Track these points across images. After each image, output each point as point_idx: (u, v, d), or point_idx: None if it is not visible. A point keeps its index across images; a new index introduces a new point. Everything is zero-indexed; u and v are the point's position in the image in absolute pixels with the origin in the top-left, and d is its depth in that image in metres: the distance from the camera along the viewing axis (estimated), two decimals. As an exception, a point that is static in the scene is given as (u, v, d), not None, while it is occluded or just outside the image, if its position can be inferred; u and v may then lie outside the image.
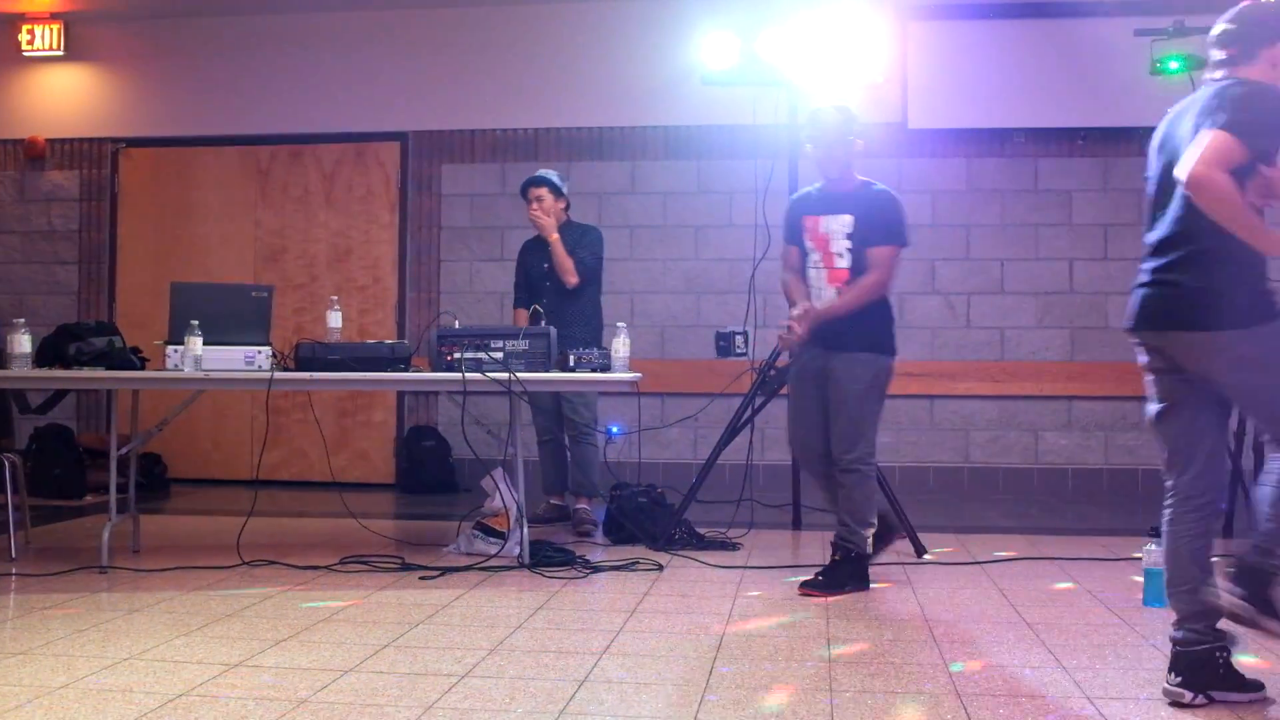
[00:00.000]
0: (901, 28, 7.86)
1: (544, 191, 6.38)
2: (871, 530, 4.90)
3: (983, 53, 7.91)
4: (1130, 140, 7.72)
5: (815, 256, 4.98)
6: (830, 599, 4.64)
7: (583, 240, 6.46)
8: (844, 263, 4.90)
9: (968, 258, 8.08)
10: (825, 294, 4.94)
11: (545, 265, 6.40)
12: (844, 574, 4.82)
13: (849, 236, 4.88)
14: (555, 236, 6.33)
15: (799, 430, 5.09)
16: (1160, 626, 4.15)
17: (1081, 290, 7.94)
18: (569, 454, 6.50)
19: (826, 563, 4.91)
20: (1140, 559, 4.59)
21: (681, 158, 8.35)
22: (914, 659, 3.75)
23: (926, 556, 5.53)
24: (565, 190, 6.46)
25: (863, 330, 4.86)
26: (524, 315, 6.49)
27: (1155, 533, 4.52)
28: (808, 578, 4.84)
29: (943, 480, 8.03)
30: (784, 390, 6.24)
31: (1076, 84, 7.76)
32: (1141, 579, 4.60)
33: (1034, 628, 4.18)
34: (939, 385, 8.06)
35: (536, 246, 6.51)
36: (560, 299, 6.34)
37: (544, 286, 6.41)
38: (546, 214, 6.36)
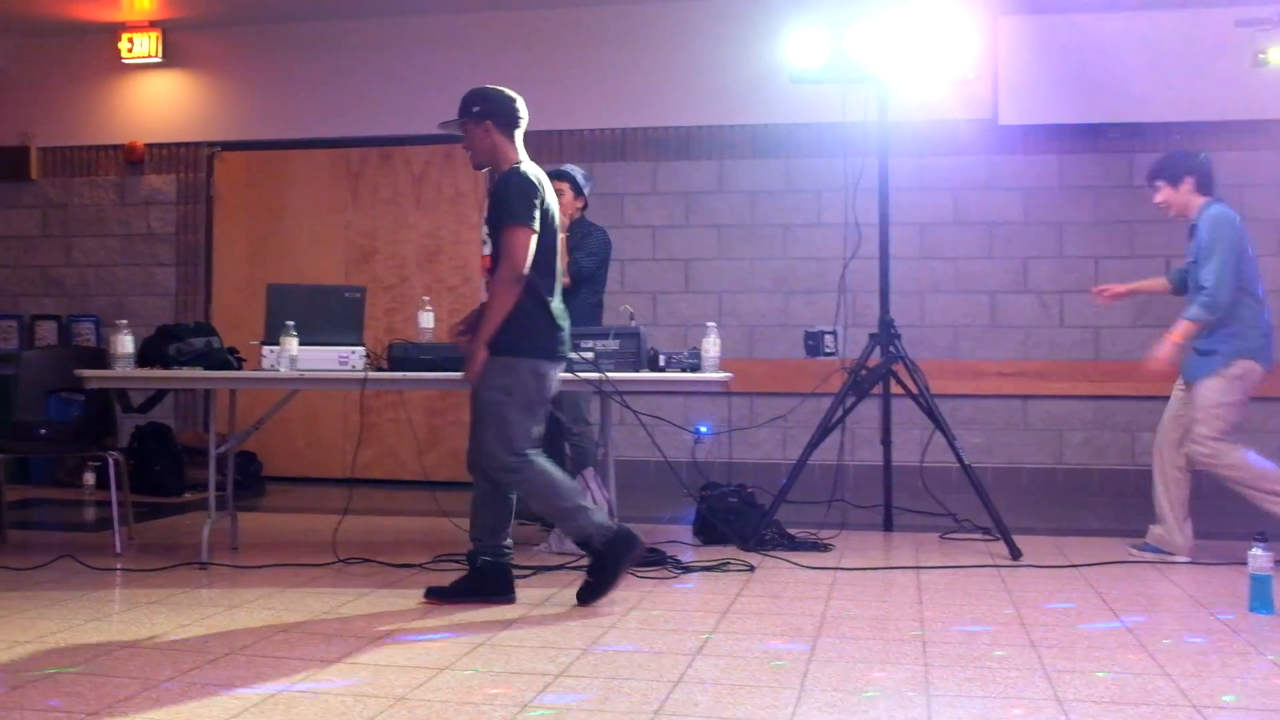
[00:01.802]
0: (992, 22, 7.77)
1: (565, 186, 6.34)
2: (583, 510, 4.56)
3: (1075, 47, 7.79)
4: (1230, 134, 7.55)
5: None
6: (453, 607, 4.47)
7: (583, 241, 6.38)
8: (487, 249, 4.73)
9: (1060, 255, 7.95)
10: (485, 284, 4.84)
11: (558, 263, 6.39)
12: (609, 565, 4.53)
13: (487, 221, 4.70)
14: (561, 236, 6.32)
15: None
16: (1269, 634, 4.07)
17: (1179, 288, 7.78)
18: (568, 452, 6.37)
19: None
20: (1245, 564, 4.49)
21: (769, 156, 8.32)
22: (1012, 664, 3.70)
23: (1022, 559, 5.45)
24: (586, 191, 6.44)
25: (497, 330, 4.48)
26: None
27: (1261, 537, 4.44)
28: (437, 585, 4.63)
29: (1037, 481, 7.92)
30: (876, 390, 6.21)
31: (1173, 77, 7.61)
32: (1247, 584, 4.48)
33: (1135, 633, 4.10)
34: (1032, 385, 7.95)
35: None
36: (568, 296, 6.34)
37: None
38: (563, 210, 6.33)
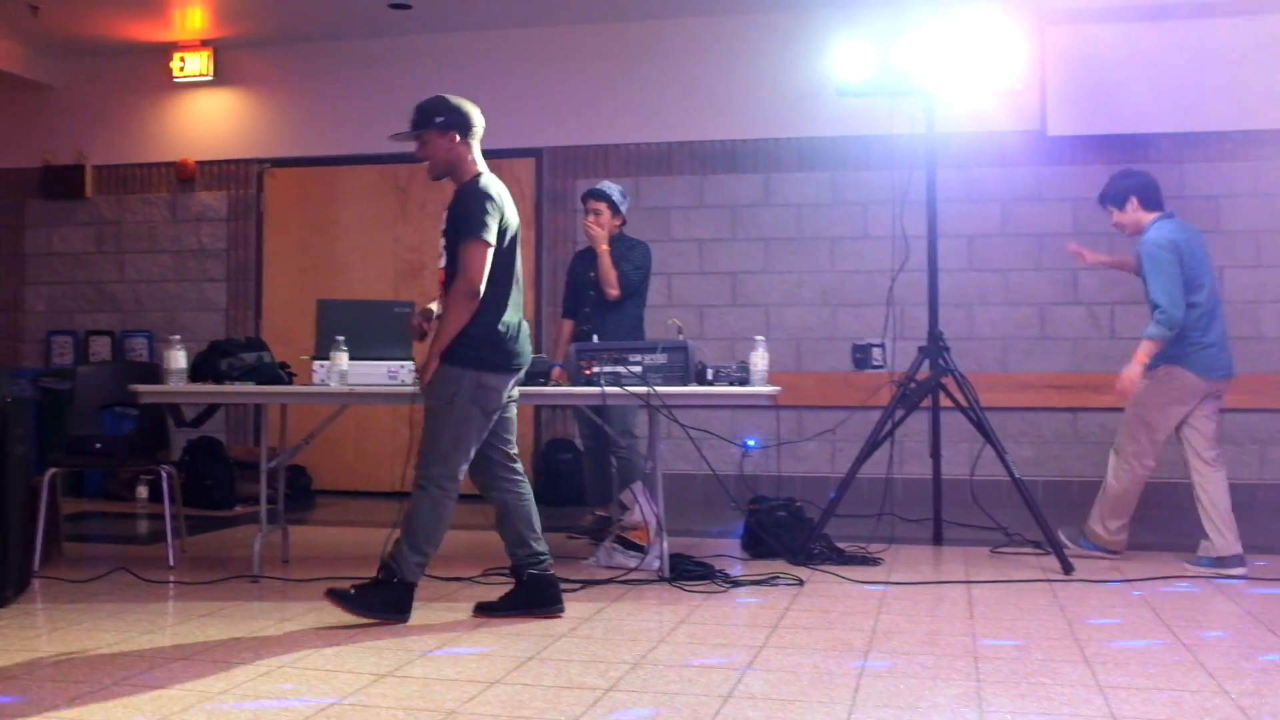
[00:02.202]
0: (1039, 33, 7.72)
1: (603, 206, 6.47)
2: (422, 560, 4.51)
3: (1124, 56, 7.73)
4: (1284, 143, 7.48)
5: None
6: (354, 618, 4.41)
7: (629, 254, 6.50)
8: (443, 262, 4.60)
9: (1111, 266, 7.87)
10: (439, 296, 4.66)
11: (590, 274, 6.48)
12: (379, 597, 4.46)
13: (444, 234, 4.57)
14: (604, 248, 6.41)
15: None
16: (1327, 649, 4.01)
17: (1233, 299, 7.65)
18: (613, 465, 6.45)
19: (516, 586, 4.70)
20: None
21: (816, 169, 8.31)
22: (1065, 680, 3.66)
23: (1074, 574, 5.40)
24: (623, 209, 6.55)
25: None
26: (568, 325, 6.64)
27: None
28: (338, 589, 4.51)
29: (1088, 495, 7.80)
30: (925, 403, 6.18)
31: (1224, 86, 7.54)
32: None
33: (1192, 650, 4.04)
34: (1083, 398, 7.87)
35: (586, 256, 6.63)
36: (603, 310, 6.43)
37: (588, 296, 6.50)
38: (600, 227, 6.43)
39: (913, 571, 5.51)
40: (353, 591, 4.47)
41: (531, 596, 4.62)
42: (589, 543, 6.06)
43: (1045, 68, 7.77)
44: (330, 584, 5.11)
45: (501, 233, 4.51)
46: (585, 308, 6.49)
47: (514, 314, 4.60)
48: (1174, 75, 7.63)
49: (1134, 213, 5.73)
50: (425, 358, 4.51)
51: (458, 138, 4.56)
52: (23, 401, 5.14)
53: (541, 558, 4.67)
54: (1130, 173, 5.87)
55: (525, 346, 4.63)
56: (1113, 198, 5.79)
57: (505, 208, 4.56)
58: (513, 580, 4.72)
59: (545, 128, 8.65)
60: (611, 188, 6.55)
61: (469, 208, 4.46)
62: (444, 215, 4.58)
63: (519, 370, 4.63)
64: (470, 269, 4.40)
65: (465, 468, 4.53)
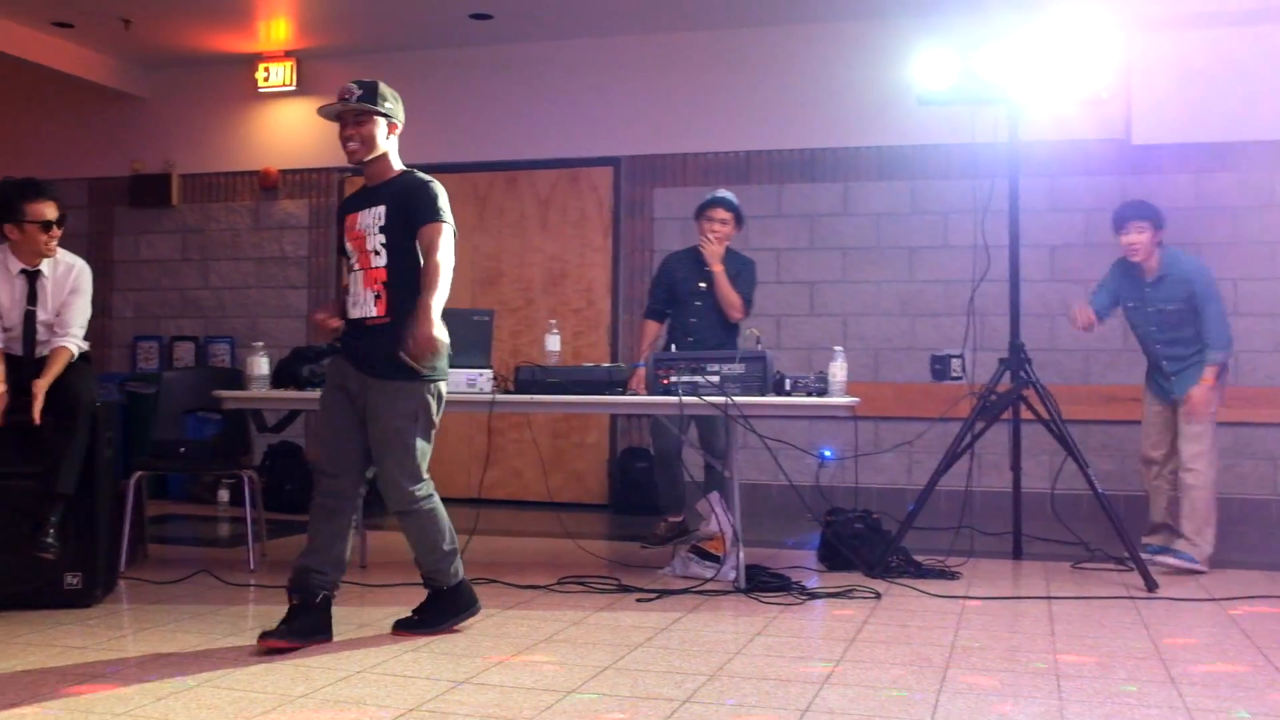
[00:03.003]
0: (1125, 39, 7.59)
1: (730, 216, 6.40)
2: (454, 558, 4.47)
3: (1213, 63, 7.57)
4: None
5: (353, 259, 4.37)
6: (430, 637, 4.36)
7: (743, 273, 6.48)
8: (381, 260, 4.30)
9: (1198, 278, 7.71)
10: (364, 299, 4.31)
11: (701, 285, 6.41)
12: (441, 610, 4.46)
13: (384, 229, 4.29)
14: (720, 268, 6.35)
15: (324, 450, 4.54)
16: None
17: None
18: (687, 473, 6.44)
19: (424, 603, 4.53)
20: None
21: (895, 178, 8.24)
22: (1151, 700, 3.59)
23: (1158, 591, 5.30)
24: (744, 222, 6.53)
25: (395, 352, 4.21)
26: (654, 327, 6.58)
27: None
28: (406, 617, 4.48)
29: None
30: (1006, 415, 6.09)
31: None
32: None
33: (1281, 670, 3.96)
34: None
35: (689, 262, 6.53)
36: (708, 320, 6.40)
37: (694, 305, 6.43)
38: (721, 240, 6.38)
39: (992, 586, 5.44)
40: (417, 618, 4.45)
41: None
42: (675, 546, 6.05)
43: (1131, 75, 7.64)
44: (410, 589, 5.16)
45: None
46: (690, 318, 6.45)
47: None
48: (1265, 82, 7.46)
49: (1157, 239, 5.92)
50: (421, 339, 4.13)
51: (396, 130, 4.47)
52: (111, 406, 5.23)
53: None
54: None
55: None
56: (1156, 217, 5.92)
57: None
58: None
59: (623, 136, 8.66)
60: (731, 195, 6.51)
61: (432, 196, 4.29)
62: (376, 212, 4.31)
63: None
64: (447, 252, 4.27)
65: None
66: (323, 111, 4.40)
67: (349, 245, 4.35)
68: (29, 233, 4.95)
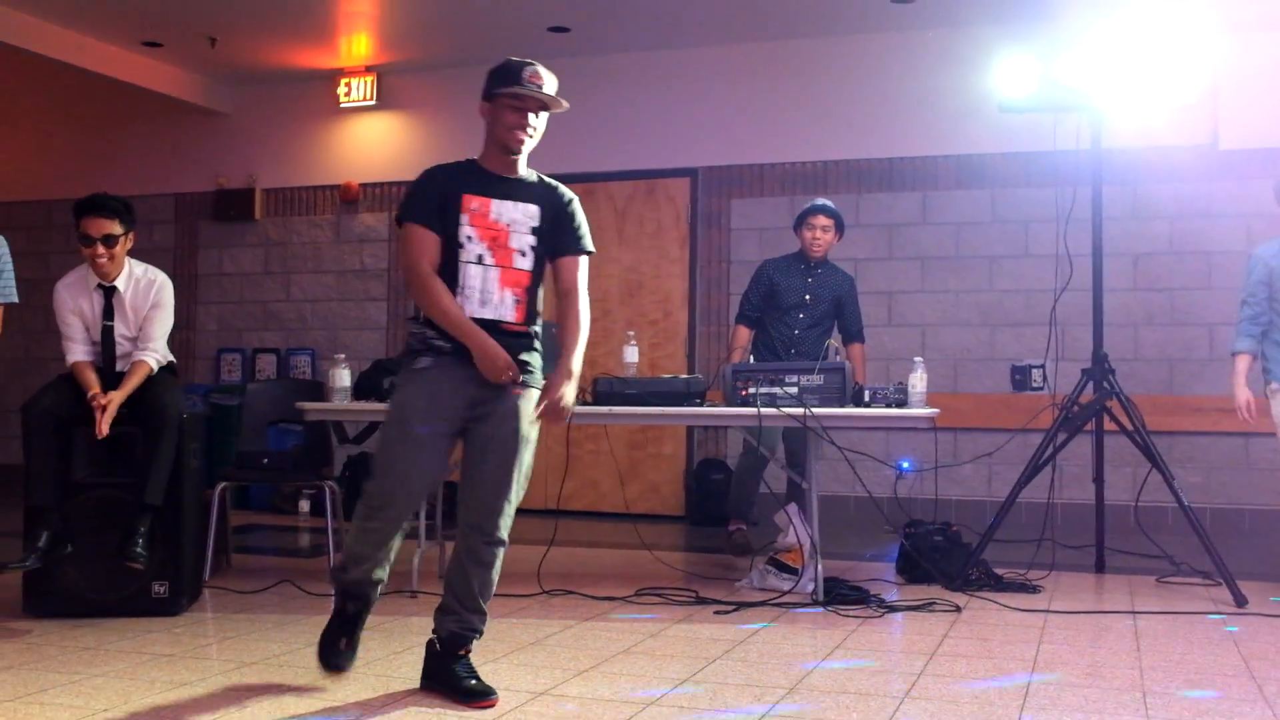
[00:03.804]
0: (1213, 43, 7.46)
1: (832, 224, 6.41)
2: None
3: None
4: None
5: (480, 250, 3.75)
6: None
7: (851, 291, 6.55)
8: (528, 264, 3.83)
9: (1287, 286, 7.55)
10: (500, 299, 3.77)
11: (806, 296, 6.41)
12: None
13: (535, 232, 3.84)
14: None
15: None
16: None
17: None
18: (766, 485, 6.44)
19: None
20: None
21: (975, 187, 8.17)
22: (1241, 719, 3.51)
23: (1247, 607, 5.19)
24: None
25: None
26: (746, 333, 6.52)
27: None
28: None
29: (1261, 523, 7.52)
30: (1088, 427, 6.00)
31: None
32: None
33: (1377, 689, 3.85)
34: (1256, 423, 7.55)
35: (794, 269, 6.49)
36: (809, 331, 6.37)
37: (796, 317, 6.41)
38: (823, 248, 6.38)
39: (1074, 600, 5.36)
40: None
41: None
42: (751, 559, 6.02)
43: (1217, 79, 7.50)
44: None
45: None
46: (792, 330, 6.44)
47: None
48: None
49: None
50: (563, 406, 3.76)
51: None
52: (196, 417, 5.32)
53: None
54: None
55: None
56: None
57: None
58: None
59: (700, 147, 8.67)
60: (832, 204, 6.52)
61: (584, 220, 3.99)
62: (527, 210, 3.85)
63: None
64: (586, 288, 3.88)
65: None
66: (529, 89, 3.83)
67: (474, 233, 3.73)
68: (81, 248, 5.02)
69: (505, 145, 3.83)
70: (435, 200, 3.79)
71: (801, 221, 6.47)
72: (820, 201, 6.54)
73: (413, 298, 3.78)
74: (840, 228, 6.46)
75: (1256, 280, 5.69)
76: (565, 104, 3.85)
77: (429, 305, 3.71)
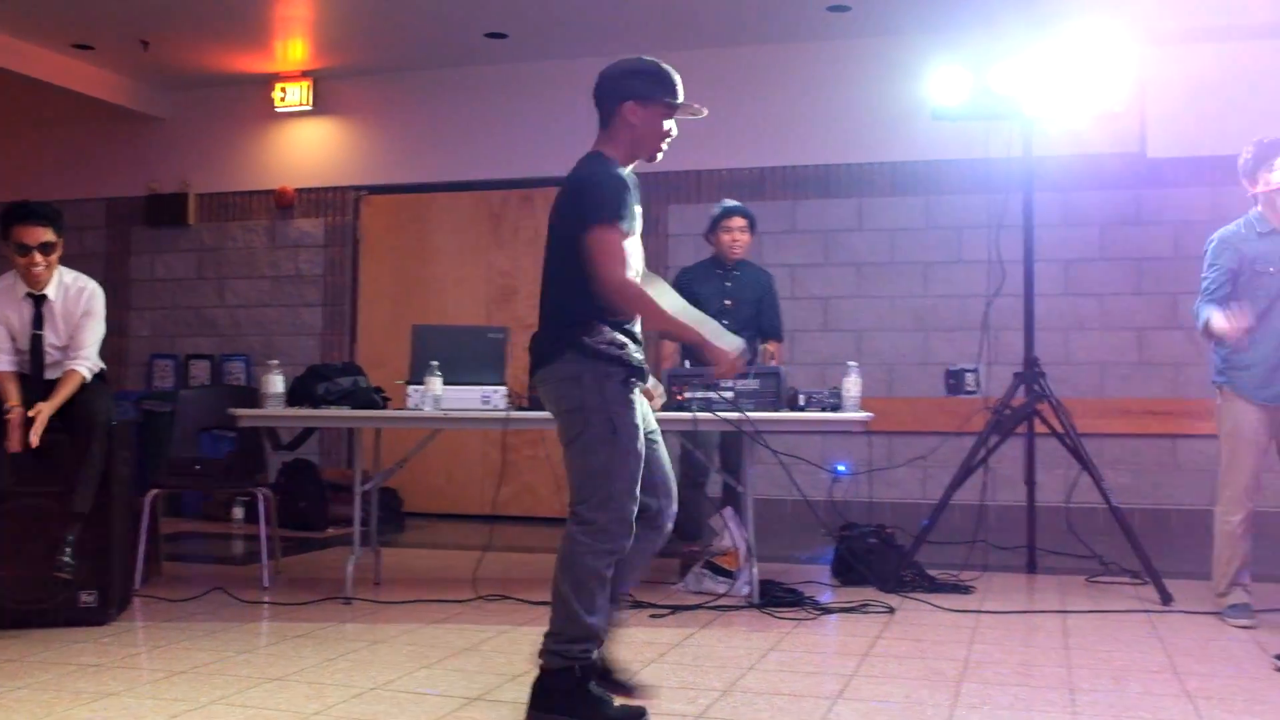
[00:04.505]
0: (1140, 54, 7.58)
1: (746, 223, 6.26)
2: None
3: (1228, 76, 7.58)
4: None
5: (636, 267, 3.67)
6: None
7: (770, 290, 6.39)
8: (637, 270, 3.72)
9: (1214, 291, 7.68)
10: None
11: (726, 301, 6.18)
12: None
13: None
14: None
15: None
16: None
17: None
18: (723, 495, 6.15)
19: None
20: None
21: (909, 194, 8.25)
22: (1165, 715, 3.57)
23: (1173, 604, 5.27)
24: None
25: None
26: (670, 346, 6.24)
27: None
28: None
29: (1188, 523, 7.64)
30: (1020, 430, 6.07)
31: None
32: None
33: (1298, 685, 3.93)
34: (1183, 424, 7.70)
35: (710, 275, 6.29)
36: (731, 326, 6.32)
37: (720, 323, 6.33)
38: (741, 249, 6.26)
39: (1006, 600, 5.42)
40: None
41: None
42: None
43: (1145, 89, 7.64)
44: (423, 605, 5.17)
45: None
46: (722, 320, 6.34)
47: None
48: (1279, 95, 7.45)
49: None
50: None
51: None
52: (127, 424, 5.25)
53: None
54: None
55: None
56: None
57: None
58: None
59: (636, 153, 8.66)
60: (740, 205, 6.35)
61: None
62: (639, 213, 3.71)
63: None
64: None
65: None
66: (687, 110, 3.87)
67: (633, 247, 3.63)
68: (13, 257, 4.95)
69: (650, 151, 3.75)
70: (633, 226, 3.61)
71: (716, 225, 6.27)
72: (731, 203, 6.35)
73: (622, 304, 3.52)
74: (754, 226, 6.37)
75: (1223, 266, 4.96)
76: (704, 111, 3.83)
77: (651, 311, 3.57)
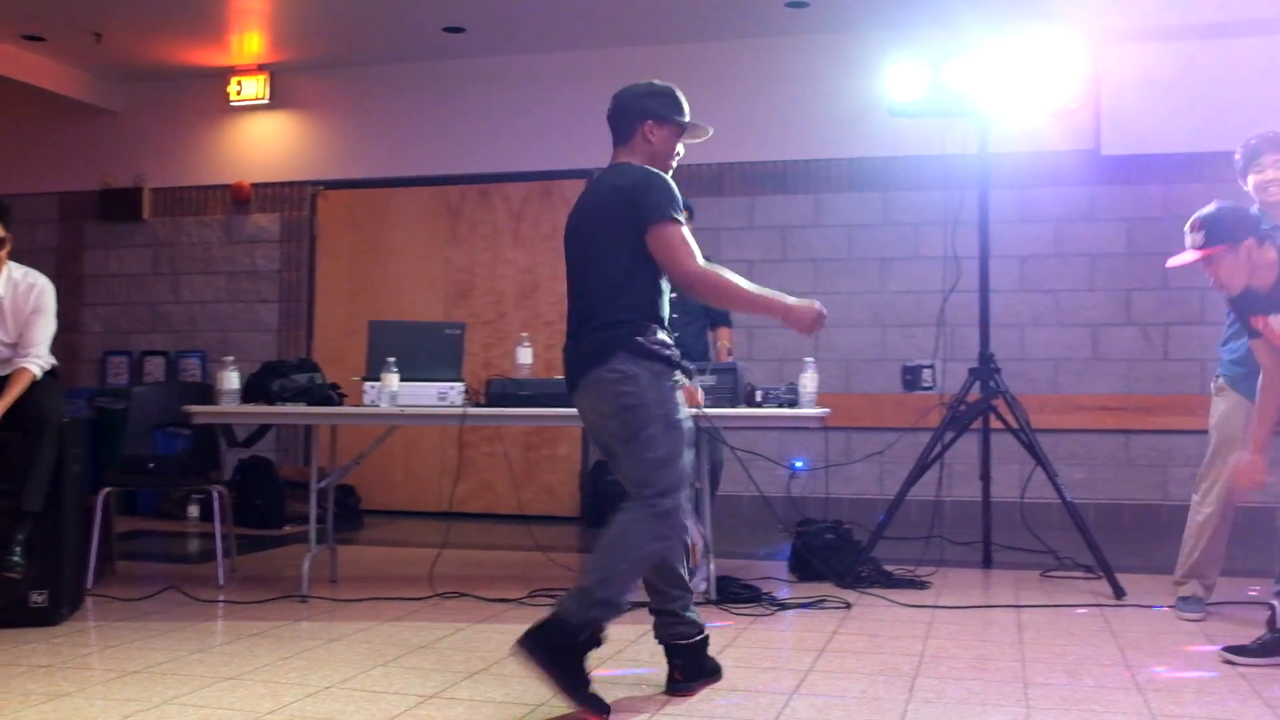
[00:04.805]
0: (1094, 52, 7.66)
1: (686, 214, 6.32)
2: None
3: (1180, 75, 7.65)
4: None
5: None
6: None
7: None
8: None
9: (1165, 287, 7.77)
10: None
11: (672, 294, 6.22)
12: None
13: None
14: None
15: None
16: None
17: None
18: None
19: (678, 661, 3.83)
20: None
21: (867, 189, 8.28)
22: (1118, 708, 3.61)
23: (1126, 599, 5.33)
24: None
25: None
26: None
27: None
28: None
29: (1141, 518, 7.73)
30: (975, 425, 6.12)
31: (1284, 104, 7.44)
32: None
33: (1246, 676, 3.97)
34: (1136, 419, 7.79)
35: None
36: (686, 330, 6.30)
37: (671, 317, 6.36)
38: None
39: (961, 595, 5.46)
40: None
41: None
42: None
43: (1099, 87, 7.70)
44: (380, 603, 5.15)
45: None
46: (672, 313, 6.35)
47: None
48: (1231, 93, 7.53)
49: None
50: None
51: None
52: (79, 421, 5.19)
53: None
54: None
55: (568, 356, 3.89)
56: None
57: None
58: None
59: (596, 149, 8.54)
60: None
61: None
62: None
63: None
64: None
65: None
66: (695, 131, 4.05)
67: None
68: None
69: (662, 167, 3.93)
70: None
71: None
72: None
73: (704, 290, 3.86)
74: (691, 215, 6.36)
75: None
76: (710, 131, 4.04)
77: (734, 294, 3.87)
